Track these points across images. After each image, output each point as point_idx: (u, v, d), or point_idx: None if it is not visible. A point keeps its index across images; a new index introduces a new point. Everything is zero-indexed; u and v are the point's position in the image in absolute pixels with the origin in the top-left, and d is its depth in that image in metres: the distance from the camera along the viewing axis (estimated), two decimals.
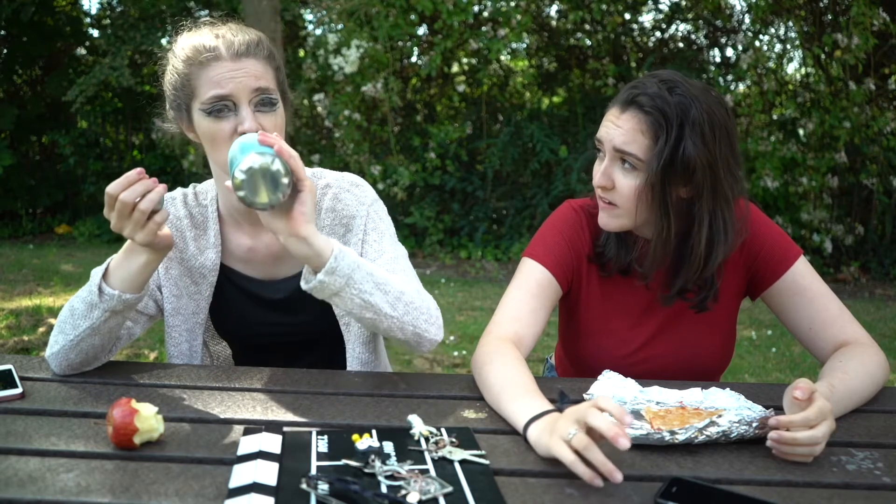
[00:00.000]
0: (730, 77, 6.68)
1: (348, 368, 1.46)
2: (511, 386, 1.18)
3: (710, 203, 1.33)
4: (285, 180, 1.11)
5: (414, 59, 7.28)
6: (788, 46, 6.32)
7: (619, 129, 1.32)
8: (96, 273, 1.27)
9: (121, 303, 1.24)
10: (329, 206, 1.46)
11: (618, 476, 0.92)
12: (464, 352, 4.01)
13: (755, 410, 1.16)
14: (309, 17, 7.15)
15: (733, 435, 1.09)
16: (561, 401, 1.14)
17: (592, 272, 1.50)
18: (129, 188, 1.15)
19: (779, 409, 1.17)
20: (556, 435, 0.99)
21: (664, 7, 7.41)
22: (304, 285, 1.19)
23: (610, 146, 1.33)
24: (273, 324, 1.43)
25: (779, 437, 1.04)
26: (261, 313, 1.46)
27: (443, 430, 1.10)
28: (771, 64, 6.11)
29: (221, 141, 1.29)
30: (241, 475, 0.95)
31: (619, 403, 1.20)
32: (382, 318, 1.24)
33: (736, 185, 1.35)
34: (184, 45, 1.33)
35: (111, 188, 1.16)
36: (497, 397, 1.20)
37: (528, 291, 1.42)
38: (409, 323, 1.27)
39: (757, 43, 6.31)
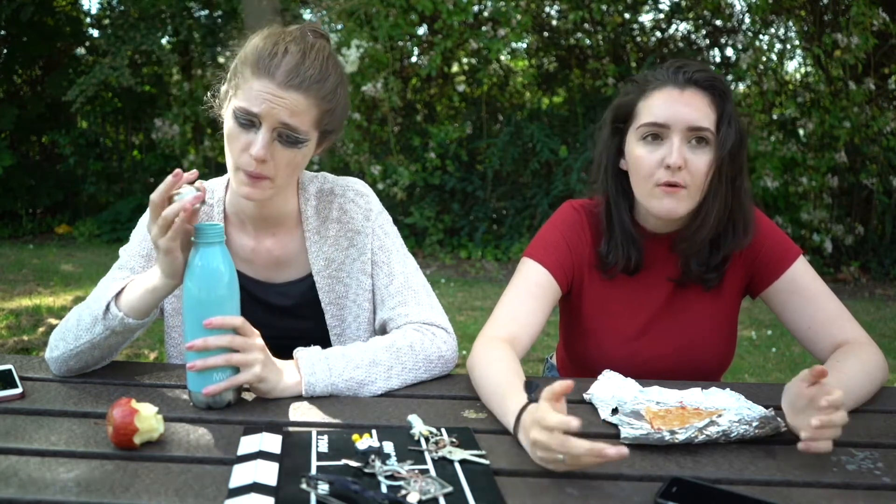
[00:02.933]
0: (730, 77, 6.66)
1: None
2: (499, 386, 1.18)
3: (743, 176, 1.40)
4: (229, 397, 1.21)
5: (414, 59, 7.28)
6: (788, 46, 6.31)
7: (688, 107, 1.34)
8: (112, 289, 1.27)
9: (122, 325, 1.24)
10: (335, 217, 1.47)
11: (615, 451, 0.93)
12: (463, 352, 4.01)
13: (755, 410, 1.16)
14: (309, 16, 7.14)
15: (733, 435, 1.09)
16: (529, 391, 1.13)
17: (594, 272, 1.49)
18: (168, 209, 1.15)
19: (779, 410, 1.17)
20: (533, 451, 0.99)
21: (664, 7, 7.41)
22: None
23: (682, 126, 1.34)
24: (271, 326, 1.43)
25: (821, 422, 1.00)
26: (259, 315, 1.46)
27: (443, 430, 1.10)
28: (771, 64, 6.11)
29: (235, 147, 1.29)
30: (241, 475, 0.95)
31: (619, 403, 1.21)
32: (381, 390, 1.29)
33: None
34: (256, 43, 1.30)
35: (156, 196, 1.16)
36: (489, 399, 1.21)
37: (527, 292, 1.42)
38: (412, 378, 1.33)
39: (757, 43, 6.31)
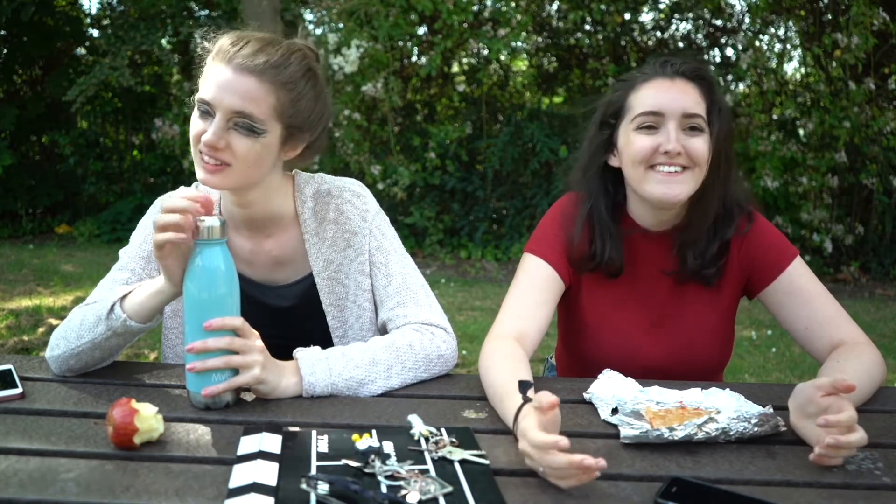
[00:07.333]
0: (730, 77, 6.67)
1: None
2: (501, 386, 1.18)
3: (731, 164, 1.43)
4: (228, 398, 1.20)
5: (414, 58, 7.28)
6: (788, 46, 6.31)
7: (681, 94, 1.37)
8: (119, 290, 1.27)
9: (123, 327, 1.24)
10: (332, 219, 1.47)
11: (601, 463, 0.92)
12: (464, 352, 4.01)
13: (755, 410, 1.16)
14: (309, 16, 7.14)
15: (732, 432, 1.09)
16: (522, 391, 1.12)
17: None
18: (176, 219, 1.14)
19: (778, 409, 1.17)
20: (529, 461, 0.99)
21: (664, 6, 7.41)
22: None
23: (677, 113, 1.35)
24: (271, 328, 1.43)
25: (836, 441, 1.00)
26: (258, 317, 1.46)
27: (443, 430, 1.10)
28: (771, 64, 6.11)
29: (194, 136, 1.30)
30: (241, 475, 0.95)
31: (619, 403, 1.21)
32: (380, 389, 1.28)
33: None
34: (223, 37, 1.33)
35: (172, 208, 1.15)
36: (492, 399, 1.21)
37: (531, 287, 1.42)
38: (412, 378, 1.32)
39: (757, 43, 6.31)
